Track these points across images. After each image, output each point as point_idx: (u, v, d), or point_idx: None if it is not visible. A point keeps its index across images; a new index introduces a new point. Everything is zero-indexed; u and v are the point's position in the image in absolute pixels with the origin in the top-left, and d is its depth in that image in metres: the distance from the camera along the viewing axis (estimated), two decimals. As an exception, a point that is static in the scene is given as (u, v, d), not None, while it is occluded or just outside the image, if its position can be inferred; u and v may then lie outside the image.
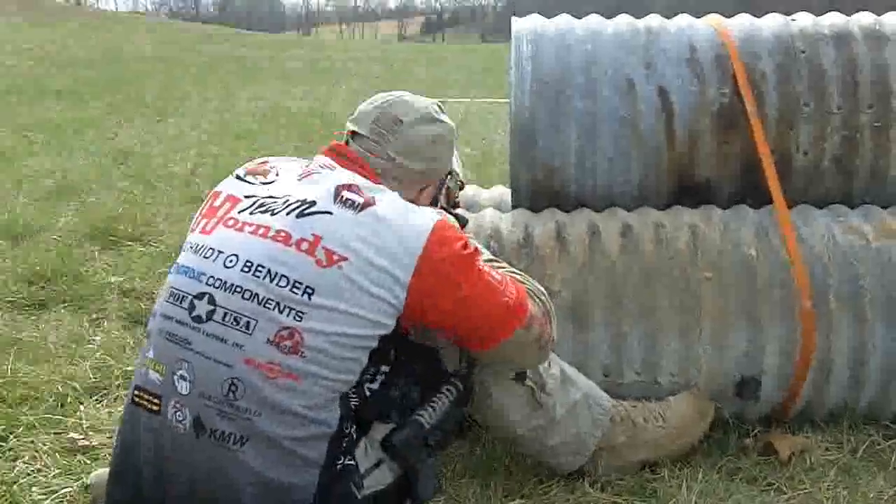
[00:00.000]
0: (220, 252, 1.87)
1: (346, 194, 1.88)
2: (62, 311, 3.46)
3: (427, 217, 1.92)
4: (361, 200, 1.88)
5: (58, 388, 2.76)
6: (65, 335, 3.20)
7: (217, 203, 1.99)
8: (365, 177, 1.98)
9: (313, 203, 1.88)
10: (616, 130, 2.60)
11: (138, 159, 6.84)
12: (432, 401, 1.96)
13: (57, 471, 2.32)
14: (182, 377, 1.82)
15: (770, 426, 2.53)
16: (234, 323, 1.80)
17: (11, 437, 2.46)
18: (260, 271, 1.82)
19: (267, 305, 1.80)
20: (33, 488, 2.23)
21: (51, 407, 2.65)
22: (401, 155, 2.04)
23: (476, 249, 1.94)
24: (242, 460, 1.76)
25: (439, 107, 2.14)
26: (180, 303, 1.86)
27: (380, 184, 1.99)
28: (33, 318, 3.42)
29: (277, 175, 2.00)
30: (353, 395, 1.86)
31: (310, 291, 1.80)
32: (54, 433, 2.50)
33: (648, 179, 2.65)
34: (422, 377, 1.99)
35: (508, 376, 2.13)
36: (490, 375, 2.12)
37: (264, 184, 1.98)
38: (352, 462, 1.85)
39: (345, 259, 1.82)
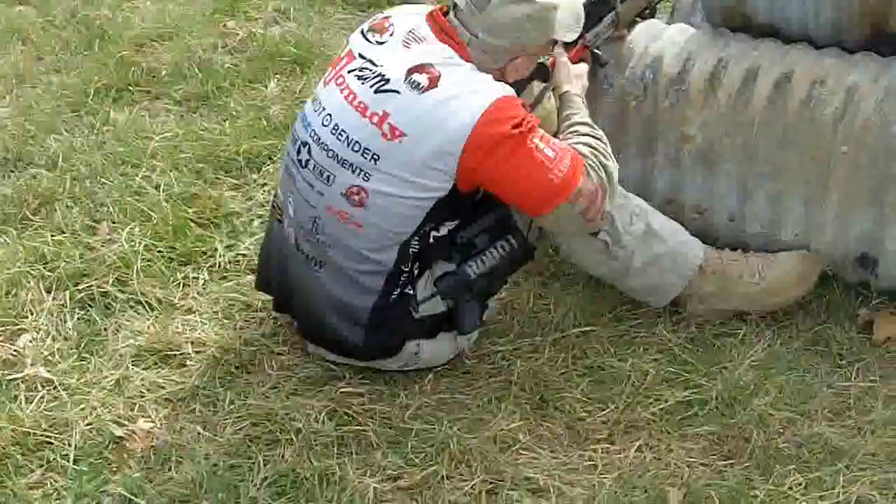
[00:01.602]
0: (323, 108, 2.28)
1: (414, 76, 2.16)
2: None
3: (486, 96, 2.14)
4: (426, 82, 2.14)
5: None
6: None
7: (342, 54, 2.35)
8: (454, 48, 2.21)
9: (388, 80, 2.19)
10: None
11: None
12: (485, 253, 2.30)
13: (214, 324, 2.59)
14: (290, 203, 2.34)
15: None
16: (319, 174, 2.25)
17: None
18: (342, 134, 2.22)
19: (343, 164, 2.21)
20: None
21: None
22: (484, 32, 2.20)
23: (531, 127, 2.15)
24: (320, 279, 2.31)
25: None
26: (294, 144, 2.33)
27: (466, 55, 2.21)
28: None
29: (391, 35, 2.28)
30: (416, 242, 2.26)
31: (376, 158, 2.18)
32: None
33: (841, 22, 2.47)
34: (491, 228, 2.32)
35: (580, 228, 2.37)
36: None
37: (379, 43, 2.28)
38: (410, 291, 2.30)
39: (405, 135, 2.15)
